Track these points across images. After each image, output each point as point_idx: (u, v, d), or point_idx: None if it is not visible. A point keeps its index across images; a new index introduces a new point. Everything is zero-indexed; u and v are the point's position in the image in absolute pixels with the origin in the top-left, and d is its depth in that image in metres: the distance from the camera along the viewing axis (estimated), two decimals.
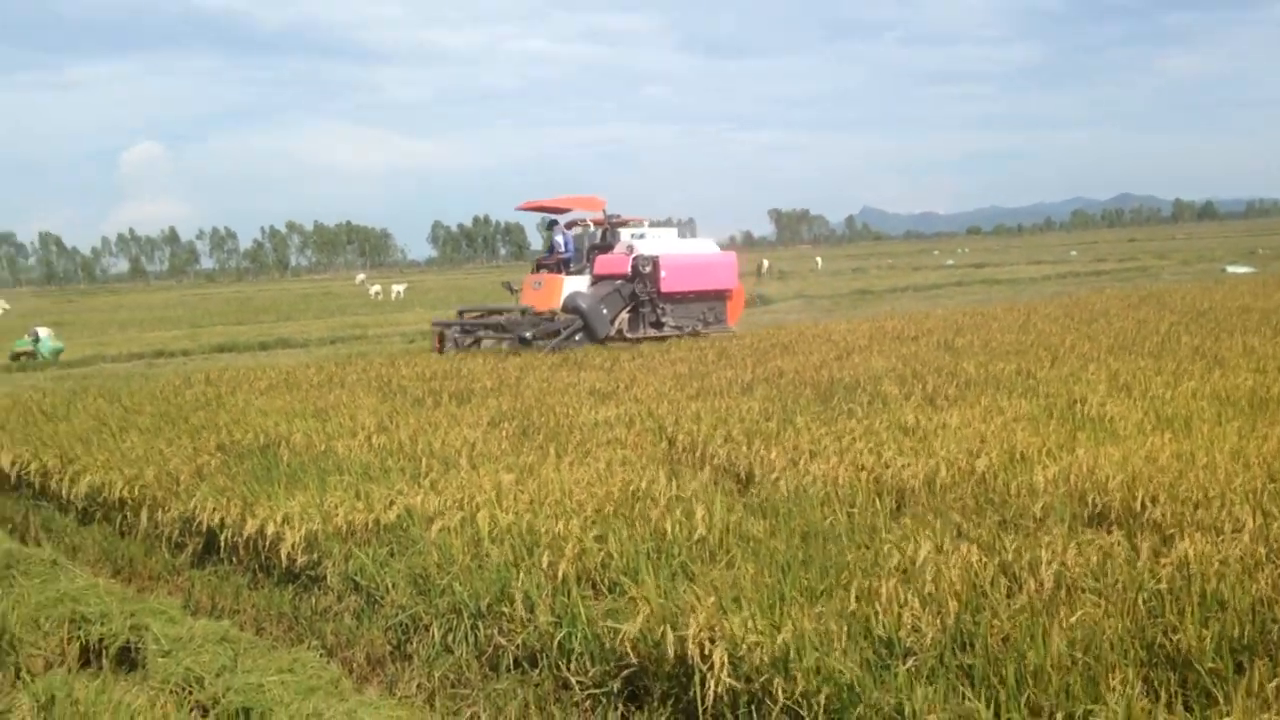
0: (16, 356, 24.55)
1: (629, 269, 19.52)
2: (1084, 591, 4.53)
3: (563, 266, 20.62)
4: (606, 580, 5.30)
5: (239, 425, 10.13)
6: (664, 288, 19.67)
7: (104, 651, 5.46)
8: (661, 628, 4.48)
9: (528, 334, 18.23)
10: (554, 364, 15.08)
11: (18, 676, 5.22)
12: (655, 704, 4.44)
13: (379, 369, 15.81)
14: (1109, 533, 5.36)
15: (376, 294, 58.05)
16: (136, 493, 8.10)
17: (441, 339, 19.60)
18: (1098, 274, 43.52)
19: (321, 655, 5.25)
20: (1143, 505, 5.72)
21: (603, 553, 5.50)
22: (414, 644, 5.30)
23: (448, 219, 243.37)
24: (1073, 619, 4.17)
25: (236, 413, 11.14)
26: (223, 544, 7.07)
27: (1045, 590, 4.59)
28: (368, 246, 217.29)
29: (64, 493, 8.82)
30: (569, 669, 4.71)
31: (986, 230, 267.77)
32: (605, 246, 20.55)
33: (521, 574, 5.32)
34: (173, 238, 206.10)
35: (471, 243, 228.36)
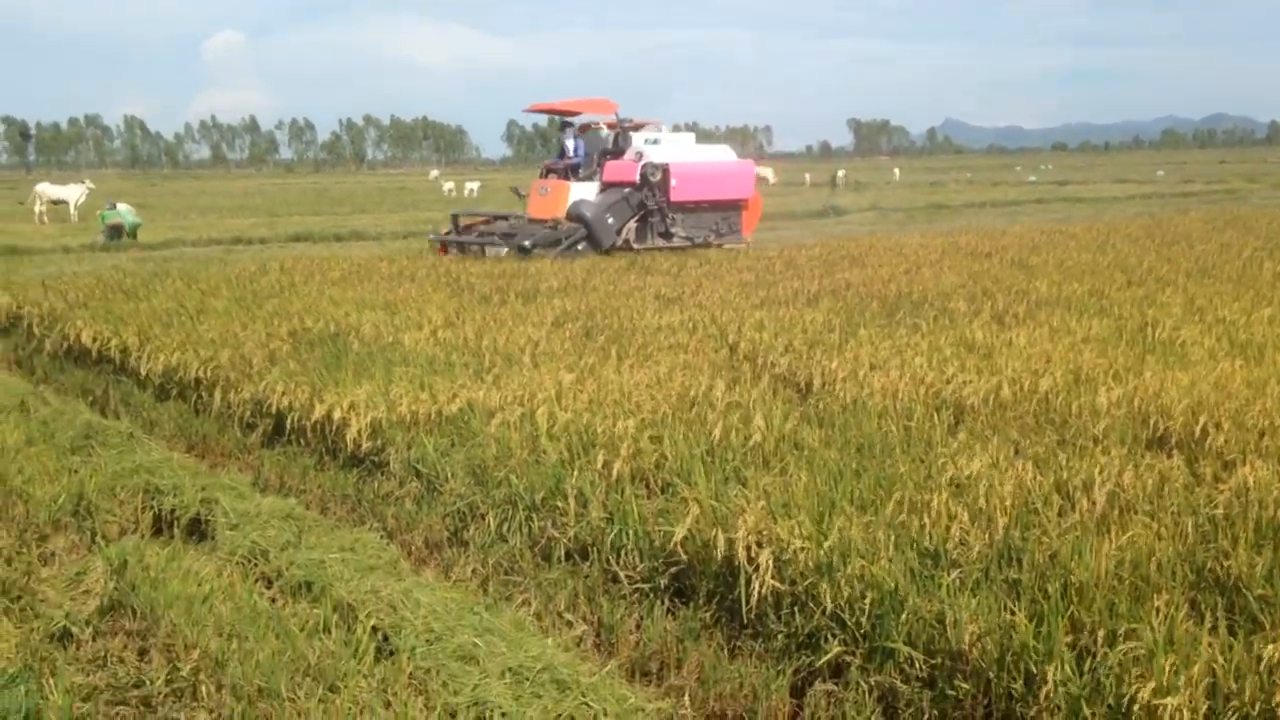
0: (115, 232, 24.86)
1: (637, 176, 18.61)
2: (1136, 513, 4.49)
3: (571, 172, 19.74)
4: (660, 481, 5.37)
5: (310, 313, 10.33)
6: (674, 196, 18.77)
7: (175, 522, 5.68)
8: (712, 529, 4.54)
9: (527, 242, 17.33)
10: (621, 267, 15.07)
11: (93, 541, 5.48)
12: (701, 601, 4.53)
13: (449, 265, 15.94)
14: (1169, 457, 5.29)
15: (449, 191, 58.29)
16: (210, 373, 8.34)
17: (444, 249, 18.87)
18: (1184, 195, 42.09)
19: (382, 537, 5.41)
20: (1205, 431, 5.62)
21: (657, 454, 5.56)
22: (470, 531, 5.44)
23: (523, 118, 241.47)
24: (1123, 539, 4.14)
25: (309, 301, 11.35)
26: (291, 426, 7.28)
27: (1097, 510, 4.56)
28: (443, 143, 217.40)
29: (142, 370, 9.11)
30: (619, 563, 4.81)
31: (1072, 147, 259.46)
32: (617, 152, 19.60)
33: (577, 471, 5.41)
34: (253, 126, 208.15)
35: (546, 143, 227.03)
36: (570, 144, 20.28)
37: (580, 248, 17.85)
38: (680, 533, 4.60)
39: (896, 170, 79.50)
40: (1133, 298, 10.42)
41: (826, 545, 4.24)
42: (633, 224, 18.74)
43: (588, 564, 4.93)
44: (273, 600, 4.59)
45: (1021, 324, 9.04)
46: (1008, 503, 4.60)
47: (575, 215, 18.27)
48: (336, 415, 6.86)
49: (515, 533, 5.27)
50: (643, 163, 18.73)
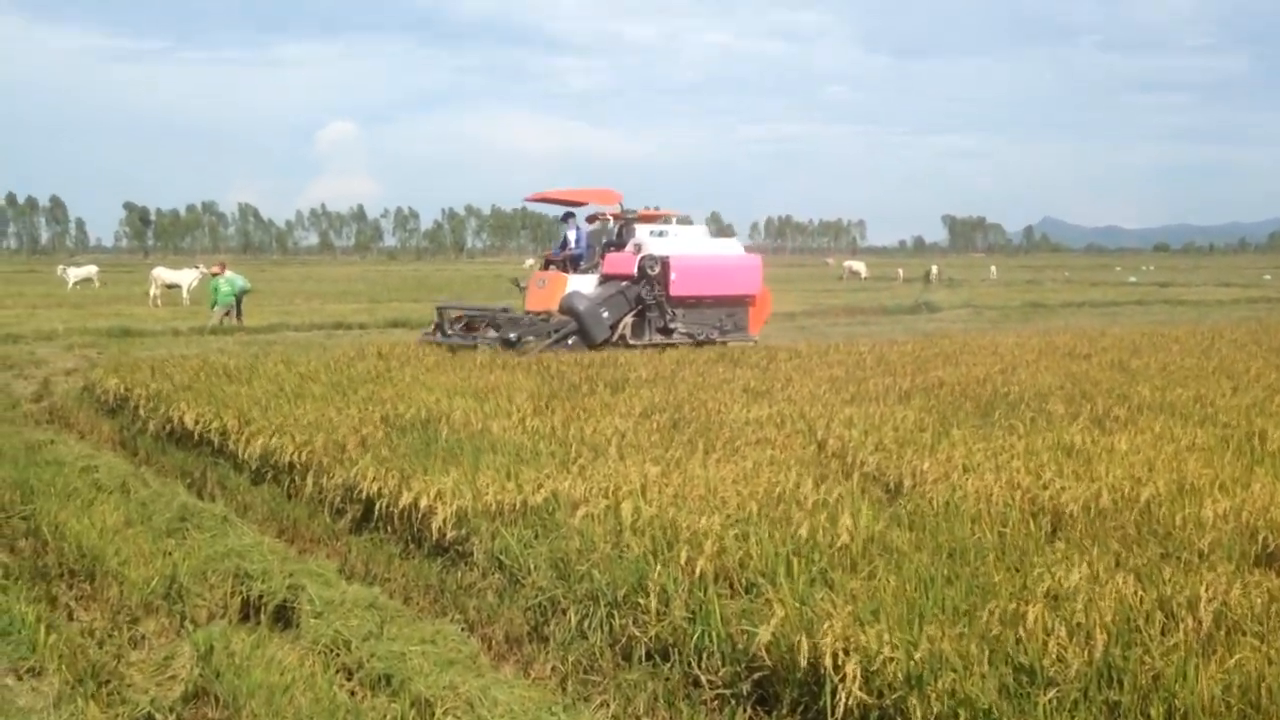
0: (235, 307, 25.40)
1: (635, 269, 17.98)
2: (1245, 634, 4.24)
3: (571, 264, 19.12)
4: (744, 580, 5.26)
5: (403, 399, 10.50)
6: (674, 291, 18.09)
7: (262, 608, 5.74)
8: (797, 634, 4.42)
9: (512, 335, 16.75)
10: (710, 359, 15.07)
11: (183, 625, 5.55)
12: (785, 710, 4.39)
13: (539, 353, 16.13)
14: (1279, 575, 5.01)
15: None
16: (305, 457, 8.49)
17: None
18: None
19: (462, 629, 5.39)
20: None
21: (742, 552, 5.46)
22: (551, 626, 5.38)
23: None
24: (1230, 662, 3.91)
25: (402, 387, 11.55)
26: (379, 513, 7.34)
27: (1203, 629, 4.32)
28: (540, 232, 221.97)
29: (239, 452, 9.32)
30: (700, 666, 4.70)
31: (1175, 248, 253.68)
32: (620, 244, 18.92)
33: (659, 567, 5.33)
34: (360, 215, 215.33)
35: None
36: (571, 235, 19.69)
37: (570, 342, 17.10)
38: (764, 636, 4.48)
39: (993, 268, 78.50)
40: (1239, 405, 10.03)
41: (917, 656, 4.08)
42: (629, 319, 18.01)
43: (669, 666, 4.82)
44: (352, 693, 4.58)
45: (1123, 429, 8.75)
46: (1108, 618, 4.39)
47: (566, 308, 17.60)
48: (424, 503, 6.90)
49: (596, 630, 5.20)
50: (641, 255, 18.12)
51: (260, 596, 5.79)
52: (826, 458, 8.00)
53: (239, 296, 25.51)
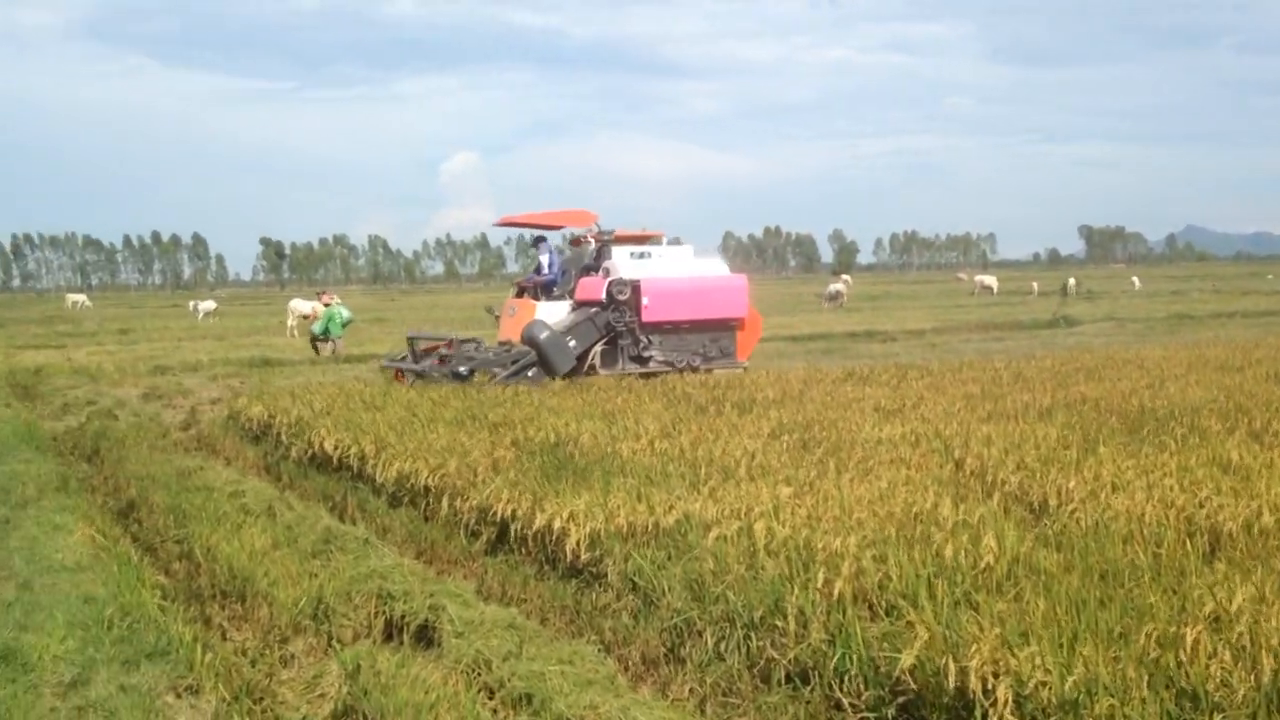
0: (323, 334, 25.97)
1: (603, 294, 17.08)
2: None
3: (544, 291, 18.22)
4: (883, 602, 5.19)
5: (532, 423, 10.68)
6: (646, 317, 17.10)
7: (405, 628, 5.90)
8: (942, 657, 4.34)
9: (463, 368, 15.99)
10: (838, 378, 14.91)
11: (330, 644, 5.75)
12: None
13: (664, 375, 16.21)
14: None
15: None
16: (439, 481, 8.71)
17: (400, 375, 17.36)
18: None
19: (599, 650, 5.45)
20: None
21: (880, 574, 5.39)
22: (687, 648, 5.40)
23: (739, 229, 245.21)
24: None
25: (530, 411, 11.75)
26: (513, 535, 7.48)
27: None
28: None
29: (377, 477, 9.63)
30: (841, 690, 4.65)
31: None
32: (596, 268, 17.97)
33: (796, 589, 5.30)
34: (483, 243, 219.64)
35: (761, 253, 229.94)
36: (545, 259, 18.78)
37: (530, 374, 16.09)
38: (908, 660, 4.41)
39: (1135, 279, 75.48)
40: None
41: (1072, 680, 3.96)
42: (600, 347, 17.08)
43: (809, 689, 4.78)
44: (494, 711, 4.68)
45: None
46: (1274, 641, 4.18)
47: (526, 338, 16.56)
48: (556, 525, 7.01)
49: (733, 651, 5.19)
50: (609, 279, 17.18)
51: (403, 616, 5.96)
52: (965, 477, 7.84)
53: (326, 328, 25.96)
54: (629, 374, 16.50)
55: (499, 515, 7.68)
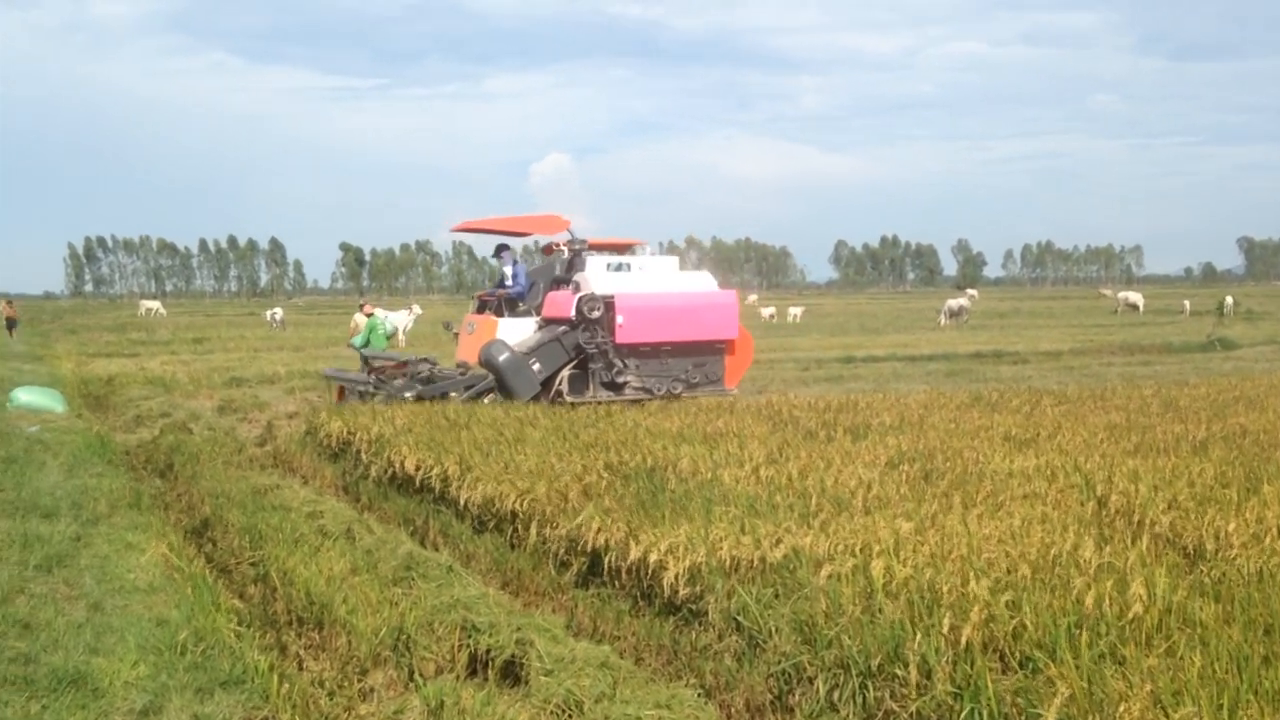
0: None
1: (573, 311, 16.33)
2: None
3: (507, 306, 17.57)
4: (1017, 653, 5.07)
5: (627, 446, 10.72)
6: (621, 337, 16.38)
7: (490, 663, 5.96)
8: (1086, 717, 4.22)
9: (408, 395, 15.69)
10: (963, 403, 14.68)
11: (411, 678, 5.84)
12: None
13: (770, 396, 16.14)
14: None
15: (771, 316, 59.37)
16: (527, 506, 8.79)
17: (342, 394, 17.19)
18: None
19: (699, 695, 5.42)
20: None
21: (1014, 621, 5.26)
22: (796, 696, 5.34)
23: (852, 238, 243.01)
24: None
25: (625, 432, 11.80)
26: (606, 566, 7.51)
27: None
28: (765, 265, 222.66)
29: (461, 500, 9.76)
30: None
31: None
32: (568, 281, 17.32)
33: (919, 634, 5.21)
34: None
35: (877, 265, 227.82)
36: (509, 270, 18.00)
37: (487, 400, 15.72)
38: (1049, 718, 4.30)
39: None
40: None
41: None
42: (568, 371, 16.45)
43: None
44: None
45: None
46: None
47: (484, 360, 15.96)
48: (653, 558, 7.01)
49: (847, 702, 5.13)
50: (579, 295, 16.44)
51: (488, 650, 6.02)
52: (1109, 516, 7.63)
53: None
54: (602, 402, 15.90)
55: (591, 545, 7.71)
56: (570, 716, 5.10)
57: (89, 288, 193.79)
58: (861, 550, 6.58)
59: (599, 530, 7.71)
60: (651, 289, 17.00)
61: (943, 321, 51.60)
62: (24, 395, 17.64)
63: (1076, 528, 7.01)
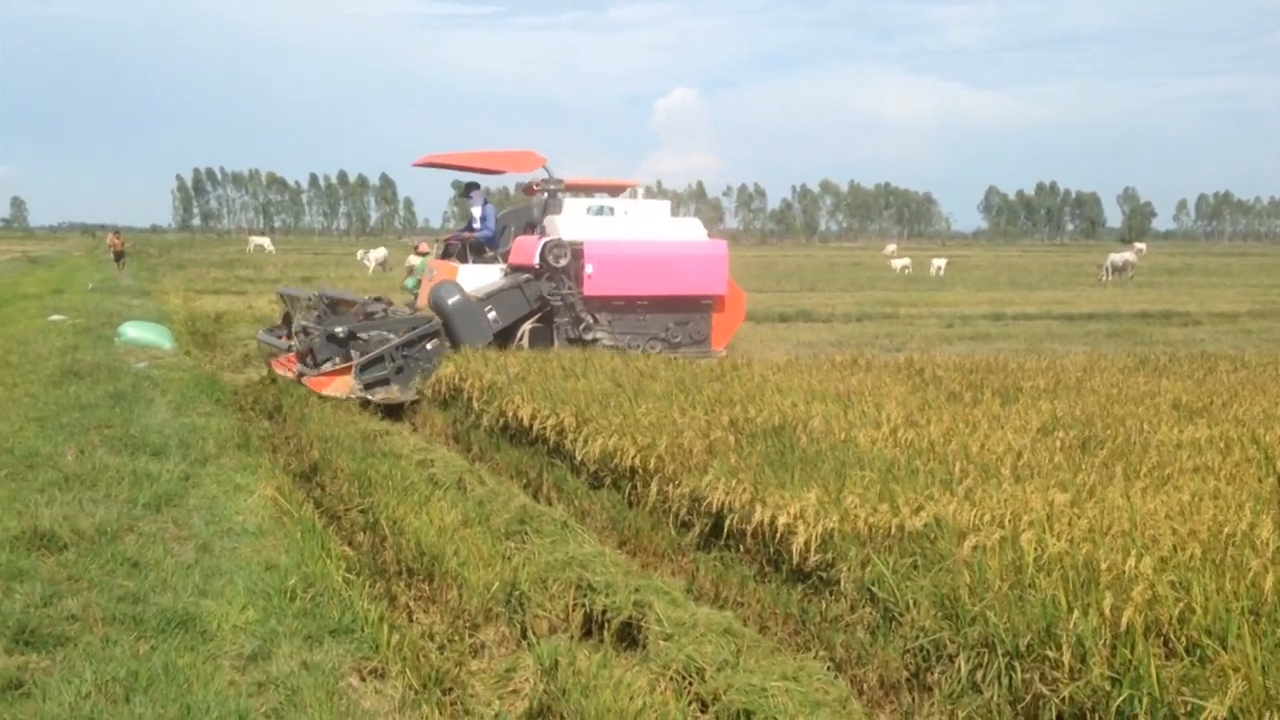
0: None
1: (536, 258, 15.70)
2: None
3: (474, 251, 17.00)
4: (1184, 638, 4.93)
5: (753, 401, 10.68)
6: (589, 289, 15.81)
7: (606, 624, 6.05)
8: (1262, 711, 4.10)
9: (338, 329, 14.72)
10: (1127, 367, 14.26)
11: (523, 636, 5.95)
12: None
13: (910, 353, 15.93)
14: None
15: (904, 268, 58.34)
16: (648, 462, 8.84)
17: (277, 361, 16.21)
18: None
19: (829, 668, 5.42)
20: None
21: (1181, 604, 5.12)
22: (935, 674, 5.30)
23: (1004, 184, 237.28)
24: None
25: (751, 387, 11.75)
26: (729, 528, 7.52)
27: None
28: (906, 213, 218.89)
29: (576, 453, 9.86)
30: None
31: None
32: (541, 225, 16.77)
33: (1074, 614, 5.11)
34: (699, 193, 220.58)
35: (1032, 214, 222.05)
36: (477, 212, 17.49)
37: (430, 347, 14.90)
38: (1219, 711, 4.18)
39: None
40: None
41: None
42: (529, 325, 15.90)
43: None
44: None
45: None
46: None
47: (433, 302, 15.52)
48: (781, 521, 6.99)
49: (992, 683, 5.06)
50: (543, 241, 15.88)
51: (604, 611, 6.11)
52: None
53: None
54: None
55: (714, 505, 7.73)
56: (690, 684, 5.15)
57: (196, 221, 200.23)
58: (1010, 521, 6.46)
59: (724, 490, 7.71)
60: (628, 236, 16.48)
61: (1105, 278, 50.18)
62: (132, 330, 18.34)
63: (1253, 505, 6.76)
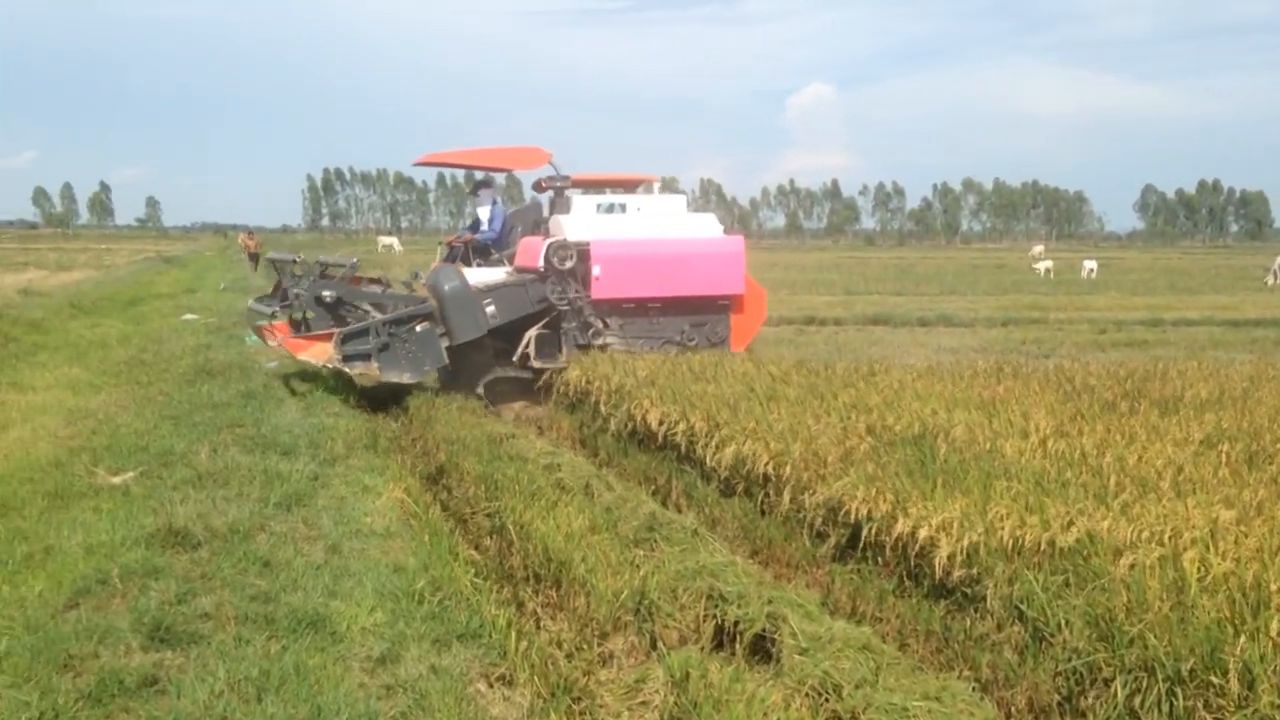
0: None
1: (540, 261, 15.20)
2: None
3: (479, 253, 16.58)
4: None
5: (891, 408, 10.55)
6: (597, 292, 15.29)
7: (738, 636, 6.02)
8: None
9: (326, 292, 14.37)
10: None
11: (653, 646, 5.97)
12: None
13: (1059, 360, 15.56)
14: None
15: (1047, 271, 56.92)
16: (781, 470, 8.80)
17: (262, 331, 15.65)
18: None
19: (974, 689, 5.32)
20: None
21: None
22: (1089, 698, 5.18)
23: (1163, 183, 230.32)
24: None
25: (889, 394, 11.60)
26: (866, 540, 7.44)
27: None
28: (1056, 212, 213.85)
29: (707, 459, 9.85)
30: None
31: None
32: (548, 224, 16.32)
33: (1241, 639, 4.93)
34: (834, 192, 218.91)
35: (1192, 214, 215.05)
36: (484, 212, 17.03)
37: (419, 329, 14.37)
38: None
39: None
40: None
41: None
42: (534, 332, 15.40)
43: None
44: None
45: None
46: None
47: (431, 285, 15.16)
48: (923, 533, 6.90)
49: (1151, 709, 4.92)
50: (549, 241, 15.36)
51: (736, 623, 6.08)
52: None
53: None
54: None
55: (852, 515, 7.66)
56: (827, 701, 5.10)
57: (325, 221, 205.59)
58: (1170, 539, 6.27)
59: (862, 500, 7.64)
60: (638, 235, 15.97)
61: (1273, 281, 48.34)
62: None
63: None
